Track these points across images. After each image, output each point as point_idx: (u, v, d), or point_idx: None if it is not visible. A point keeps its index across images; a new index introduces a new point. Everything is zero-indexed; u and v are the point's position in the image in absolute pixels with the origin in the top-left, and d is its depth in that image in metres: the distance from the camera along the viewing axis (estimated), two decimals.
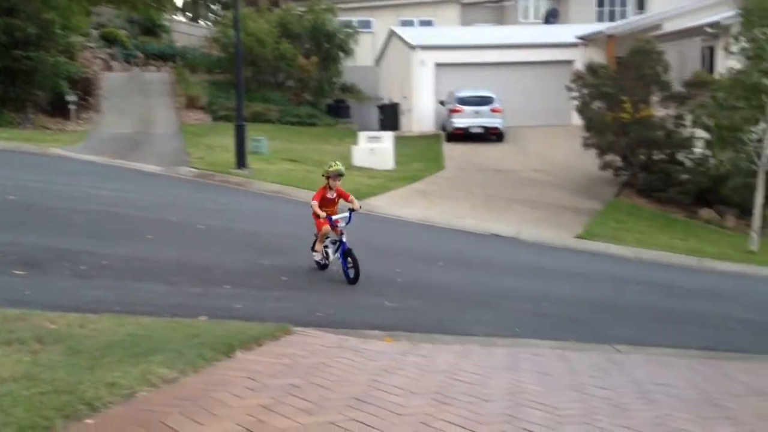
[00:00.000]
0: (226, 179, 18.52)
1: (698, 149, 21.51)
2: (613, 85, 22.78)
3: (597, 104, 23.43)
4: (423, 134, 31.40)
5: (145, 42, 39.52)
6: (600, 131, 22.73)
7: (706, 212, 20.97)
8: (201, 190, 16.91)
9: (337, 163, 8.98)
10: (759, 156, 17.86)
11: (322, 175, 9.04)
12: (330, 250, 9.04)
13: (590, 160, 23.50)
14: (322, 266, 9.16)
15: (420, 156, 25.73)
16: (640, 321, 9.37)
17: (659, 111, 22.84)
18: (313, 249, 9.17)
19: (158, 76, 35.72)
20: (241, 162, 19.29)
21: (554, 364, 6.13)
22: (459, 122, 28.64)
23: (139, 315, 5.96)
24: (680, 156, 22.07)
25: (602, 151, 22.81)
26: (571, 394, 5.07)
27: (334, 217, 8.76)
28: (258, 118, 29.37)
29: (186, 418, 3.64)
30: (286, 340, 5.75)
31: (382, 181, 20.16)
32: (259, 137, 23.21)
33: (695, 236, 18.62)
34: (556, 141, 28.59)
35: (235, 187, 17.87)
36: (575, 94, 23.88)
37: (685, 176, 21.70)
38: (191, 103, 31.24)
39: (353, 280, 8.61)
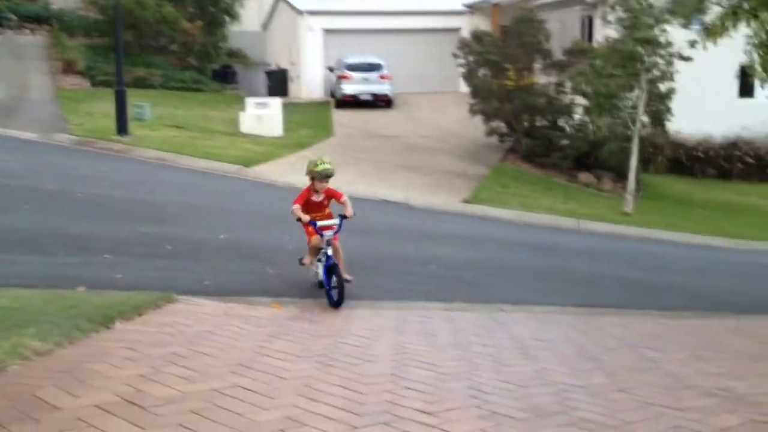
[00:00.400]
0: (107, 146, 17.82)
1: (578, 115, 22.24)
2: (497, 52, 23.17)
3: (482, 72, 23.80)
4: (312, 101, 31.13)
5: (18, 4, 37.32)
6: (486, 98, 23.13)
7: (585, 176, 21.78)
8: (81, 157, 16.22)
9: (324, 161, 7.25)
10: (633, 122, 18.63)
11: (306, 175, 7.39)
12: (320, 264, 7.33)
13: (477, 127, 23.91)
14: (320, 283, 7.33)
15: (309, 123, 25.53)
16: (524, 281, 9.67)
17: (541, 78, 23.45)
18: (300, 262, 7.55)
19: (33, 40, 33.86)
20: (122, 128, 18.60)
21: (440, 324, 6.25)
22: (348, 89, 28.56)
23: (14, 287, 5.70)
24: (561, 122, 22.77)
25: (488, 117, 23.23)
26: (454, 353, 5.19)
27: (319, 223, 7.09)
28: (140, 84, 28.35)
29: (60, 390, 3.51)
30: (169, 309, 5.63)
31: (269, 148, 19.90)
32: (141, 103, 22.42)
33: (575, 199, 19.33)
34: (444, 108, 28.94)
35: (117, 154, 17.23)
36: (461, 61, 24.17)
37: (565, 142, 22.40)
38: (69, 68, 29.78)
39: (336, 303, 6.87)
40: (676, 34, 17.21)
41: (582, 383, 4.57)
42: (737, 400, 4.48)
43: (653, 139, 20.62)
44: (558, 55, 23.62)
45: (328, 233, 7.08)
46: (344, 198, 7.34)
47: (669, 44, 17.80)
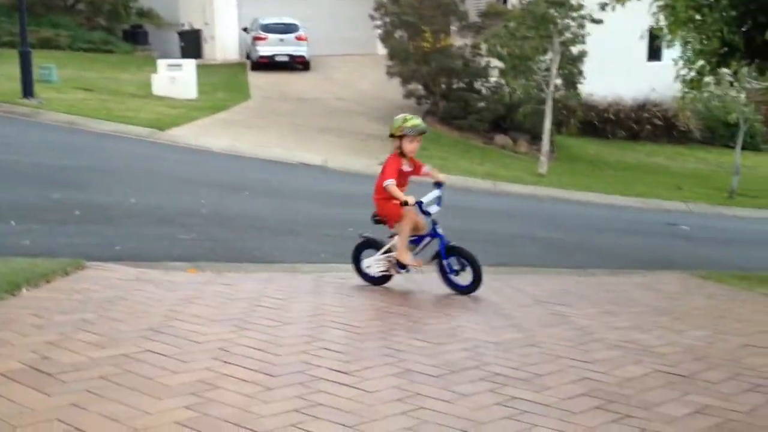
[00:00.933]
0: (12, 110, 17.08)
1: (494, 78, 22.48)
2: (414, 14, 23.14)
3: (399, 33, 23.76)
4: (227, 62, 30.51)
5: None
6: (403, 60, 23.13)
7: (501, 138, 22.11)
8: None
9: (412, 116, 6.01)
10: (547, 84, 18.96)
11: (391, 136, 5.96)
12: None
13: (395, 89, 23.90)
14: (379, 280, 6.23)
15: (224, 85, 25.04)
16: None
17: (458, 41, 23.56)
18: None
19: None
20: (28, 91, 17.83)
21: (357, 286, 6.27)
22: (264, 50, 28.10)
23: None
24: (477, 85, 22.98)
25: (405, 80, 23.26)
26: (371, 313, 5.22)
27: (424, 200, 5.91)
28: (47, 45, 27.25)
29: None
30: (78, 276, 5.47)
31: (184, 111, 19.45)
32: (48, 65, 21.52)
33: (491, 161, 19.62)
34: (361, 70, 28.79)
35: (23, 118, 16.54)
36: (378, 22, 24.05)
37: (482, 104, 22.65)
38: None
39: (472, 287, 5.97)
40: None
41: (495, 339, 4.66)
42: (643, 352, 4.65)
43: (566, 101, 21.05)
44: (474, 17, 23.75)
45: (434, 210, 5.97)
46: (427, 166, 6.16)
47: (580, 6, 18.11)
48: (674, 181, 20.38)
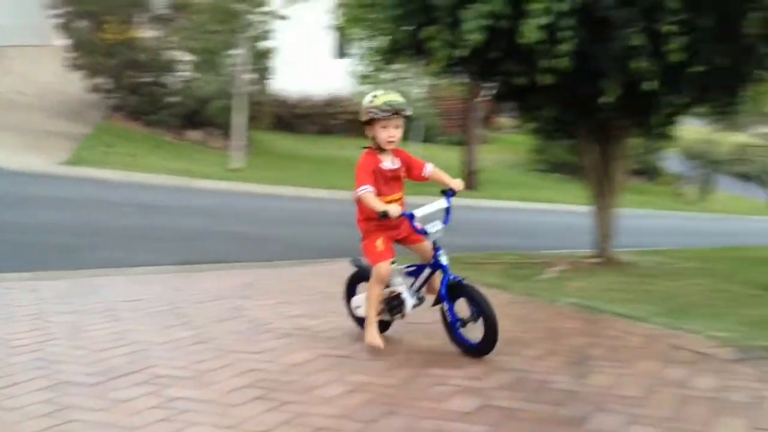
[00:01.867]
0: None
1: (185, 72, 22.07)
2: (96, 3, 21.91)
3: (82, 24, 22.37)
4: None
5: None
6: (88, 52, 21.82)
7: (194, 134, 21.81)
8: None
9: (386, 91, 4.47)
10: (238, 79, 19.03)
11: (364, 122, 4.40)
12: (403, 289, 4.58)
13: (79, 83, 22.50)
14: (383, 325, 4.77)
15: None
16: (126, 243, 9.37)
17: (148, 33, 22.77)
18: (348, 299, 5.00)
19: None
20: None
21: (21, 296, 5.79)
22: None
23: None
24: (167, 78, 22.40)
25: (91, 73, 21.99)
26: (29, 324, 4.84)
27: (419, 213, 4.38)
28: None
29: None
30: None
31: None
32: None
33: (185, 157, 19.27)
34: (40, 62, 26.61)
35: None
36: (57, 11, 22.43)
37: (173, 99, 22.12)
38: None
39: (483, 346, 4.36)
40: None
41: (164, 340, 4.57)
42: (311, 338, 4.83)
43: (257, 96, 21.30)
44: (163, 9, 23.09)
45: (435, 229, 4.37)
46: (431, 167, 4.59)
47: (265, 2, 18.41)
48: None
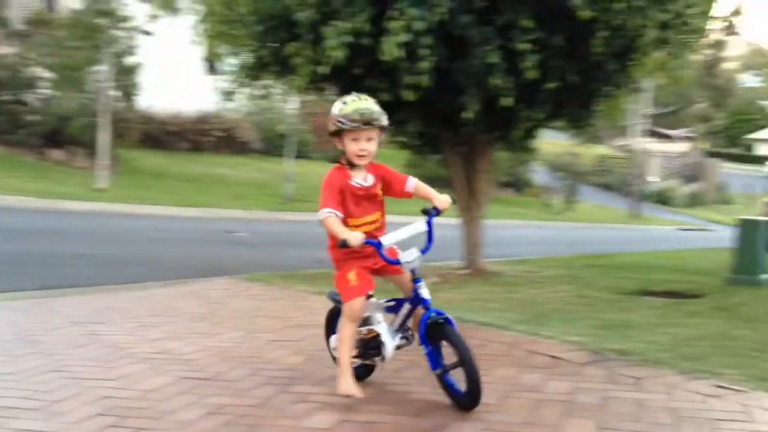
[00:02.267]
0: None
1: (46, 90, 21.17)
2: None
3: None
4: None
5: None
6: None
7: (57, 153, 20.94)
8: None
9: (358, 96, 3.80)
10: (102, 96, 18.41)
11: (331, 133, 3.78)
12: (382, 329, 3.95)
13: None
14: (365, 369, 4.17)
15: None
16: None
17: (5, 49, 21.72)
18: (327, 337, 4.36)
19: None
20: None
21: None
22: None
23: None
24: (26, 96, 21.42)
25: None
26: None
27: (386, 240, 3.74)
28: None
29: None
30: None
31: None
32: None
33: (47, 178, 18.46)
34: None
35: None
36: None
37: (33, 117, 21.16)
38: None
39: (467, 399, 3.73)
40: (139, 9, 17.42)
41: (12, 369, 4.34)
42: (172, 361, 4.70)
43: (124, 113, 20.69)
44: (20, 24, 22.11)
45: (411, 257, 3.74)
46: (414, 181, 3.95)
47: (129, 18, 17.94)
48: (236, 190, 21.23)
